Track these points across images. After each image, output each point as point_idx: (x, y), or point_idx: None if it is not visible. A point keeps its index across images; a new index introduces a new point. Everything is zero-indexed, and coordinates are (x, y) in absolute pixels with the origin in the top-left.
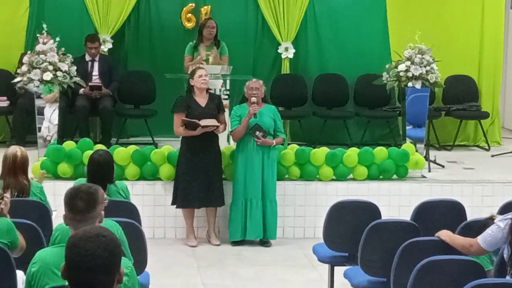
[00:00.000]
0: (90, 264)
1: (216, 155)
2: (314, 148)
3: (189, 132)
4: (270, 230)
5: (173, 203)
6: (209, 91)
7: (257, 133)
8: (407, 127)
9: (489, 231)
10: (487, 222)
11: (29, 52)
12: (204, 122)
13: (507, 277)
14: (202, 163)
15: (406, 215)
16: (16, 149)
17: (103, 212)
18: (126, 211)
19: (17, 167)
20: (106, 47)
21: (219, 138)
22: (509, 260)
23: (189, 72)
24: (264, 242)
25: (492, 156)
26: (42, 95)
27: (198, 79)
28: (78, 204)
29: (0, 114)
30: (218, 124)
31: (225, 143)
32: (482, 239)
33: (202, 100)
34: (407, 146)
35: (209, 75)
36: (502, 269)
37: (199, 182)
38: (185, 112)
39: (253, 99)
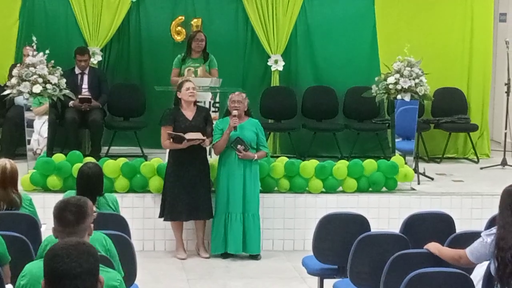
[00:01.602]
0: (77, 270)
1: (204, 168)
2: (303, 160)
3: (175, 145)
4: (252, 244)
5: (160, 216)
6: (198, 104)
7: (238, 146)
8: (396, 140)
9: (476, 244)
10: None
11: (18, 64)
12: (189, 135)
13: None
14: (190, 175)
15: (395, 228)
16: (5, 162)
17: (92, 225)
18: (116, 224)
19: (6, 180)
20: (95, 59)
21: (207, 151)
22: (496, 274)
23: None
24: (254, 255)
25: (481, 168)
26: (32, 108)
27: (185, 92)
28: (67, 216)
29: None
30: (204, 138)
31: (207, 157)
32: (470, 252)
33: (189, 113)
34: (396, 158)
35: (198, 87)
36: (489, 282)
37: (187, 195)
38: (172, 125)
39: (235, 112)
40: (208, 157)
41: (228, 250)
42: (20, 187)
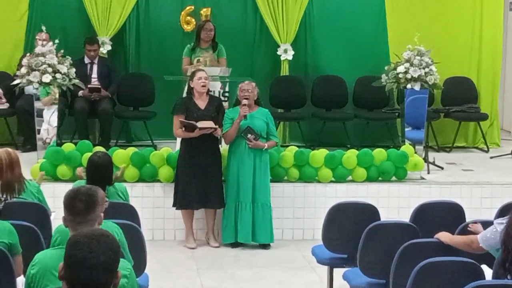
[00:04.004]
0: (93, 261)
1: (215, 157)
2: (313, 149)
3: (187, 134)
4: (262, 233)
5: (174, 205)
6: (209, 93)
7: (249, 136)
8: (406, 129)
9: (488, 231)
10: None
11: (28, 54)
12: (201, 124)
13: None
14: (201, 164)
15: (405, 217)
16: (5, 148)
17: (102, 214)
18: (126, 213)
19: (14, 162)
20: (105, 49)
21: (218, 140)
22: (501, 259)
23: (187, 74)
24: (264, 244)
25: (491, 157)
26: (40, 98)
27: (197, 81)
28: (77, 206)
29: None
30: (216, 127)
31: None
32: (482, 239)
33: (201, 102)
34: (406, 147)
35: (208, 77)
36: (500, 269)
37: (198, 183)
38: (184, 114)
39: (244, 101)
40: (219, 146)
41: (238, 239)
42: (30, 176)
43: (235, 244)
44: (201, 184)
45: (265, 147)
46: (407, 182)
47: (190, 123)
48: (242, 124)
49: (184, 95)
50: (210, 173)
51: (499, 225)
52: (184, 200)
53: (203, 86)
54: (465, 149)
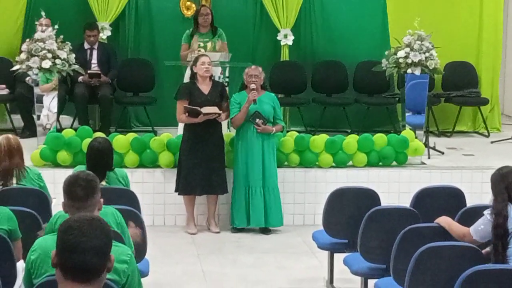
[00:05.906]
0: (86, 245)
1: (219, 142)
2: (313, 135)
3: (191, 120)
4: (273, 217)
5: (176, 190)
6: (212, 78)
7: (257, 120)
8: (406, 114)
9: (479, 223)
10: None
11: (28, 40)
12: (206, 109)
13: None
14: (205, 150)
15: (405, 202)
16: (7, 135)
17: (102, 200)
18: (126, 199)
19: (13, 149)
20: (105, 34)
21: (222, 125)
22: (493, 251)
23: (187, 59)
24: (265, 230)
25: (492, 142)
26: (39, 85)
27: (201, 66)
28: (77, 191)
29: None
30: (220, 112)
31: (225, 130)
32: (474, 231)
33: (205, 87)
34: (407, 132)
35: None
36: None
37: (201, 169)
38: (188, 99)
39: (253, 85)
40: (227, 130)
41: (251, 224)
42: (30, 162)
43: (236, 229)
44: (205, 170)
45: (273, 131)
46: (407, 167)
47: (194, 109)
48: (250, 109)
49: (186, 80)
50: (213, 159)
51: (490, 214)
52: (187, 185)
53: (206, 71)
54: (465, 134)
